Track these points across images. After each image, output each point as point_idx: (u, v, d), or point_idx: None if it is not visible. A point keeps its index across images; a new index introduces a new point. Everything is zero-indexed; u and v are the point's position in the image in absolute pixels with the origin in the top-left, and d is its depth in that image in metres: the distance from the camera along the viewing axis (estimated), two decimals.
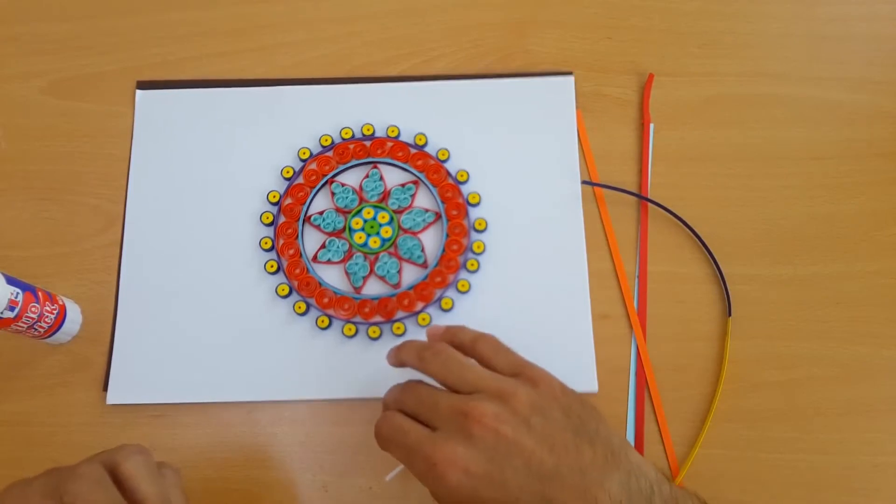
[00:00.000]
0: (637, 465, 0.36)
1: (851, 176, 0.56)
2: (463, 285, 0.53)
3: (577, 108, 0.58)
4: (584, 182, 0.56)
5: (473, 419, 0.35)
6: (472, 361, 0.39)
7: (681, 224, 0.54)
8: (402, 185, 0.56)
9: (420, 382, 0.40)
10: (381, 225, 0.54)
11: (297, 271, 0.53)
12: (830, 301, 0.53)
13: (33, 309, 0.47)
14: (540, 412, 0.36)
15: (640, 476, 0.36)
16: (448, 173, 0.56)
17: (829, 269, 0.53)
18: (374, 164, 0.57)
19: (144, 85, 0.59)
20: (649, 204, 0.55)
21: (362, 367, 0.51)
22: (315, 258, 0.54)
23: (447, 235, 0.54)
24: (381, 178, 0.56)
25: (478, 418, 0.35)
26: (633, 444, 0.49)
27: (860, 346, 0.51)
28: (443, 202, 0.55)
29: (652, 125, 0.57)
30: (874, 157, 0.57)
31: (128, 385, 0.51)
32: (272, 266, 0.54)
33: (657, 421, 0.50)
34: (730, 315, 0.52)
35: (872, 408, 0.50)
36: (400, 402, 0.39)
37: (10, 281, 0.46)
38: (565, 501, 0.34)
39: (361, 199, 0.56)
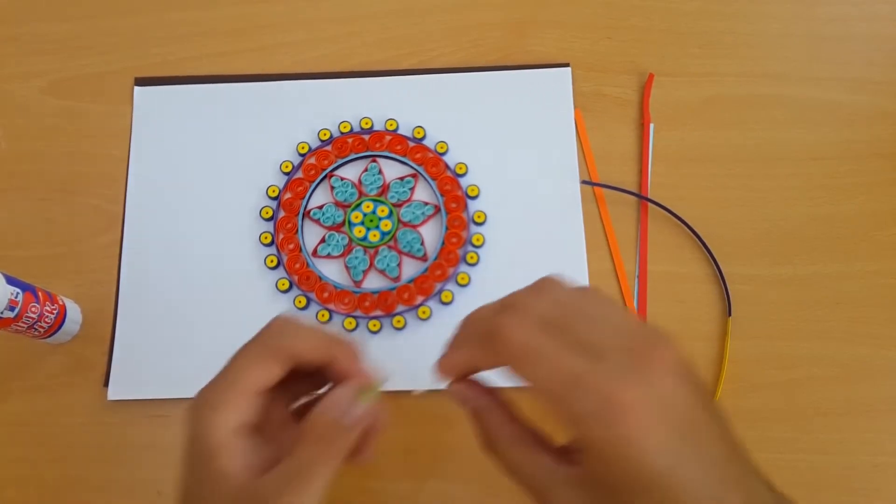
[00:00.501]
0: (756, 468, 0.30)
1: (851, 176, 0.56)
2: (463, 278, 0.53)
3: (576, 108, 0.58)
4: (584, 182, 0.56)
5: (655, 360, 0.26)
6: None
7: (681, 224, 0.54)
8: (401, 179, 0.56)
9: (560, 282, 0.30)
10: (380, 218, 0.54)
11: (298, 266, 0.53)
12: (830, 301, 0.53)
13: (33, 309, 0.47)
14: (696, 378, 0.28)
15: (760, 479, 0.29)
16: (447, 166, 0.56)
17: (829, 269, 0.53)
18: (373, 158, 0.57)
19: (143, 81, 0.59)
20: (649, 204, 0.55)
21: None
22: (315, 252, 0.54)
23: (446, 228, 0.54)
24: (380, 172, 0.56)
25: (659, 359, 0.26)
26: None
27: (860, 346, 0.51)
28: (442, 195, 0.55)
29: (652, 125, 0.57)
30: (874, 157, 0.57)
31: (128, 381, 0.51)
32: (272, 261, 0.54)
33: None
34: (730, 315, 0.52)
35: (872, 408, 0.50)
36: (530, 309, 0.29)
37: (10, 281, 0.46)
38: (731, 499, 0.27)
39: (361, 193, 0.56)
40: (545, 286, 0.30)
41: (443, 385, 0.34)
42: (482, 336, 0.30)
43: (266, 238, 0.54)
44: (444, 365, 0.33)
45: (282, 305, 0.53)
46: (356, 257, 0.54)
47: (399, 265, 0.54)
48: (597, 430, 0.26)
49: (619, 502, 0.27)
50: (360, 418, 0.31)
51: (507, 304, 0.30)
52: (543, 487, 0.29)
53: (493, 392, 0.33)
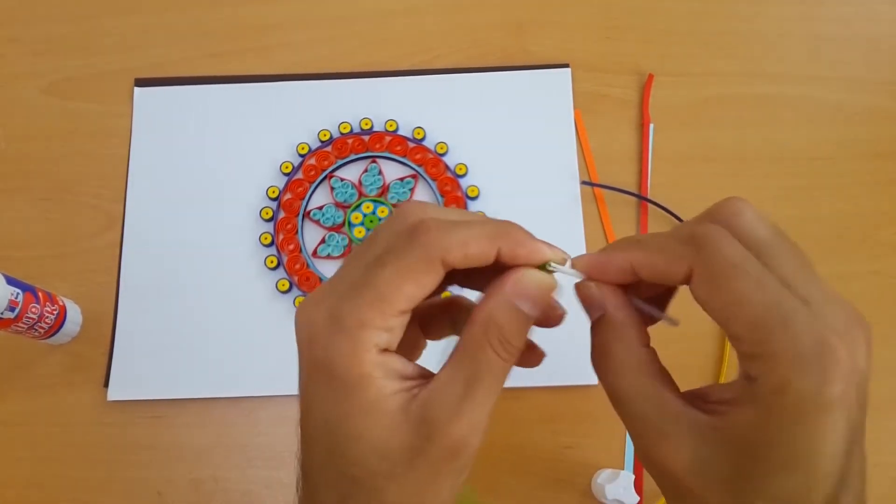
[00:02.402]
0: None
1: (851, 176, 0.56)
2: None
3: (576, 108, 0.58)
4: (583, 182, 0.56)
5: (861, 334, 0.25)
6: None
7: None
8: (401, 179, 0.56)
9: (757, 211, 0.26)
10: (380, 219, 0.55)
11: (298, 266, 0.53)
12: None
13: (33, 309, 0.47)
14: None
15: None
16: (447, 167, 0.56)
17: (829, 269, 0.53)
18: (373, 159, 0.57)
19: (143, 82, 0.59)
20: (649, 204, 0.55)
21: None
22: (315, 253, 0.54)
23: None
24: (380, 173, 0.56)
25: (865, 336, 0.25)
26: (633, 444, 0.49)
27: None
28: (441, 196, 0.55)
29: (652, 125, 0.57)
30: (874, 157, 0.57)
31: (128, 382, 0.51)
32: (272, 261, 0.54)
33: None
34: None
35: (872, 408, 0.49)
36: (739, 226, 0.25)
37: (11, 281, 0.46)
38: None
39: (361, 194, 0.56)
40: (744, 210, 0.26)
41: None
42: (680, 240, 0.26)
43: (266, 239, 0.54)
44: (599, 261, 0.28)
45: (282, 306, 0.53)
46: None
47: None
48: (794, 374, 0.22)
49: (754, 468, 0.24)
50: (542, 303, 0.26)
51: (712, 216, 0.26)
52: (659, 429, 0.25)
53: (632, 305, 0.28)
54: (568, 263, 0.28)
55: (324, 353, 0.26)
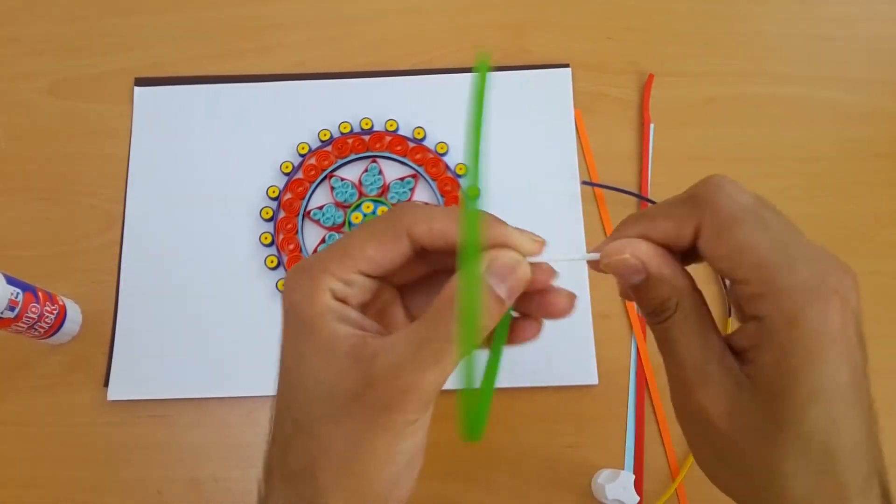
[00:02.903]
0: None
1: (851, 176, 0.56)
2: None
3: (576, 108, 0.58)
4: (584, 182, 0.56)
5: (850, 278, 0.25)
6: None
7: None
8: (401, 179, 0.56)
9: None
10: None
11: None
12: None
13: (33, 309, 0.47)
14: None
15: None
16: (447, 167, 0.56)
17: None
18: (373, 159, 0.57)
19: (143, 82, 0.59)
20: (649, 204, 0.55)
21: None
22: (315, 253, 0.54)
23: None
24: (381, 172, 0.56)
25: (853, 281, 0.26)
26: (633, 444, 0.49)
27: None
28: (442, 196, 0.55)
29: (652, 125, 0.57)
30: (874, 157, 0.57)
31: (129, 381, 0.51)
32: (272, 261, 0.54)
33: (657, 421, 0.50)
34: (730, 315, 0.52)
35: None
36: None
37: (11, 281, 0.46)
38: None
39: (361, 194, 0.56)
40: (725, 183, 0.27)
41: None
42: (683, 203, 0.27)
43: (266, 238, 0.54)
44: (617, 245, 0.28)
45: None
46: None
47: None
48: (800, 308, 0.24)
49: (782, 409, 0.25)
50: (510, 281, 0.26)
51: (696, 191, 0.27)
52: (703, 374, 0.26)
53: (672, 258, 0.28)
54: (540, 255, 0.29)
55: (289, 297, 0.27)
